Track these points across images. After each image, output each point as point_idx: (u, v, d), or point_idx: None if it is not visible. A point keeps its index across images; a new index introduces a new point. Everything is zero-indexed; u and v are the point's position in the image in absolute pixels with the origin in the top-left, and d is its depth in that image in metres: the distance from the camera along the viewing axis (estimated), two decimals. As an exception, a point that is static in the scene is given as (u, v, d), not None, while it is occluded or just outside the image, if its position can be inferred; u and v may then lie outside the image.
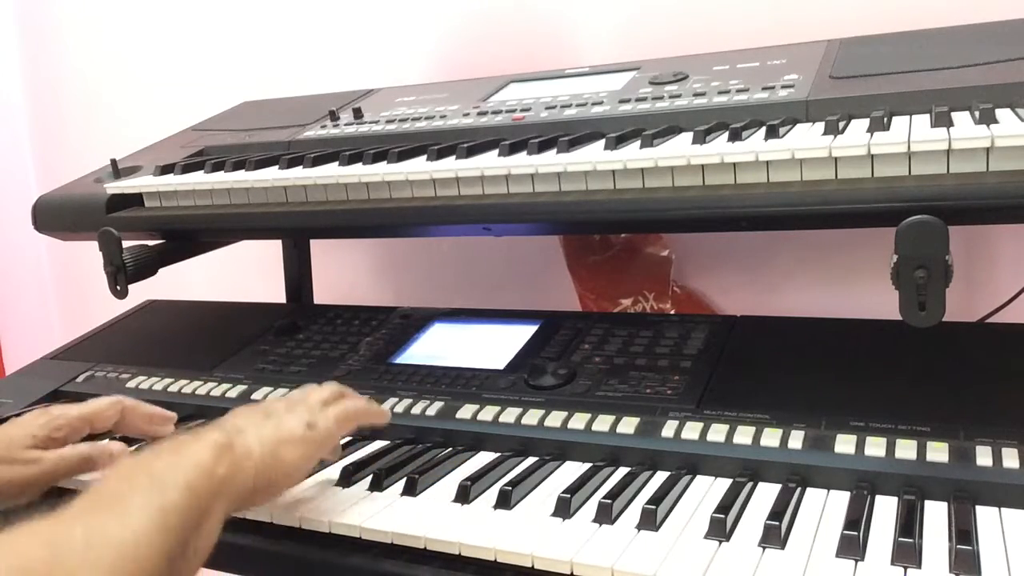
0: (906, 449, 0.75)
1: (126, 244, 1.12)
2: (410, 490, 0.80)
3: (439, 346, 1.11)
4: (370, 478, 0.83)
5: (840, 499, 0.73)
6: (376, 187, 0.96)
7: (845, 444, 0.77)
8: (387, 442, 0.94)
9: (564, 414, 0.89)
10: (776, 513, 0.69)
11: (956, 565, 0.61)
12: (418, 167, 0.93)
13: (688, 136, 0.85)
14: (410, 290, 1.66)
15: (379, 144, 1.08)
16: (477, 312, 1.18)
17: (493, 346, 1.06)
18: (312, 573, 0.77)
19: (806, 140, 0.78)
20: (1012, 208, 0.70)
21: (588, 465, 0.83)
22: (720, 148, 0.79)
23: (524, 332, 1.08)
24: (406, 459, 0.87)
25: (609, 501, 0.73)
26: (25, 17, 2.08)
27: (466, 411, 0.93)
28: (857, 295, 1.25)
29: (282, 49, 1.71)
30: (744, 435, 0.81)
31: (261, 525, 0.80)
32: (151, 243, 1.17)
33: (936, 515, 0.69)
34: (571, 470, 0.83)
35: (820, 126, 0.81)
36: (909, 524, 0.66)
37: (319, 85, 1.54)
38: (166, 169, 1.14)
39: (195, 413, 1.06)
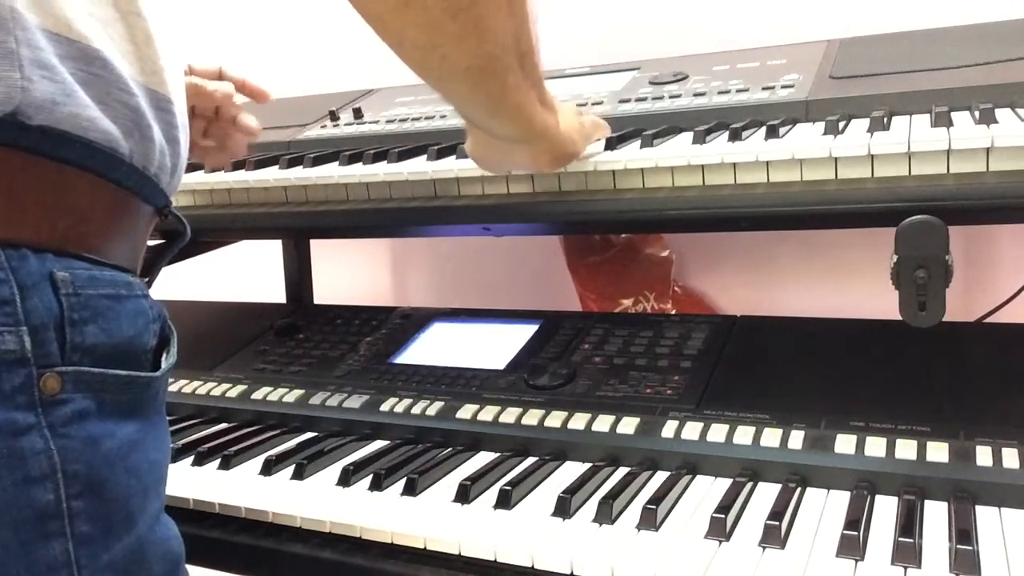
0: (906, 449, 0.75)
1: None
2: (410, 490, 0.80)
3: (439, 346, 1.10)
4: (370, 478, 0.83)
5: (840, 499, 0.73)
6: (376, 187, 0.96)
7: (845, 444, 0.77)
8: (387, 442, 0.94)
9: (564, 414, 0.89)
10: (776, 513, 0.69)
11: (956, 565, 0.61)
12: (418, 167, 0.93)
13: (688, 136, 0.85)
14: (410, 290, 1.66)
15: (379, 144, 1.08)
16: (477, 312, 1.17)
17: (493, 346, 1.06)
18: (312, 572, 0.77)
19: (806, 140, 0.78)
20: (1012, 208, 0.70)
21: (588, 465, 0.83)
22: (720, 148, 0.79)
23: (524, 332, 1.08)
24: (406, 459, 0.87)
25: (609, 501, 0.73)
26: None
27: (466, 411, 0.93)
28: (857, 295, 1.25)
29: (282, 49, 1.71)
30: (744, 435, 0.81)
31: (259, 524, 0.80)
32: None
33: (936, 515, 0.69)
34: (571, 470, 0.83)
35: (820, 126, 0.81)
36: (909, 524, 0.66)
37: (319, 85, 1.54)
38: (166, 169, 1.14)
39: (195, 413, 1.06)
